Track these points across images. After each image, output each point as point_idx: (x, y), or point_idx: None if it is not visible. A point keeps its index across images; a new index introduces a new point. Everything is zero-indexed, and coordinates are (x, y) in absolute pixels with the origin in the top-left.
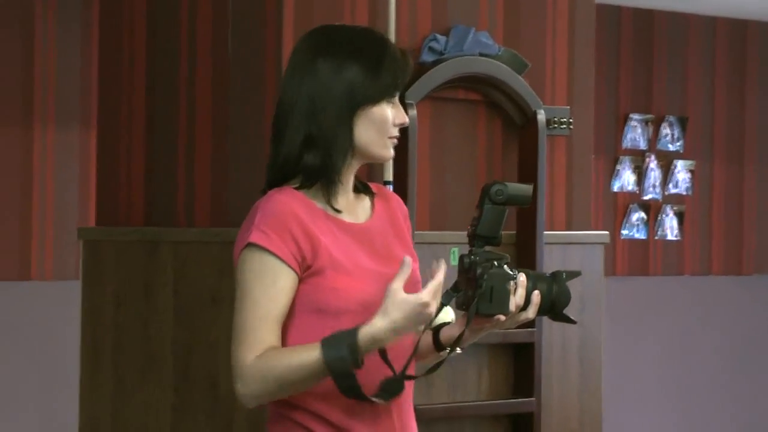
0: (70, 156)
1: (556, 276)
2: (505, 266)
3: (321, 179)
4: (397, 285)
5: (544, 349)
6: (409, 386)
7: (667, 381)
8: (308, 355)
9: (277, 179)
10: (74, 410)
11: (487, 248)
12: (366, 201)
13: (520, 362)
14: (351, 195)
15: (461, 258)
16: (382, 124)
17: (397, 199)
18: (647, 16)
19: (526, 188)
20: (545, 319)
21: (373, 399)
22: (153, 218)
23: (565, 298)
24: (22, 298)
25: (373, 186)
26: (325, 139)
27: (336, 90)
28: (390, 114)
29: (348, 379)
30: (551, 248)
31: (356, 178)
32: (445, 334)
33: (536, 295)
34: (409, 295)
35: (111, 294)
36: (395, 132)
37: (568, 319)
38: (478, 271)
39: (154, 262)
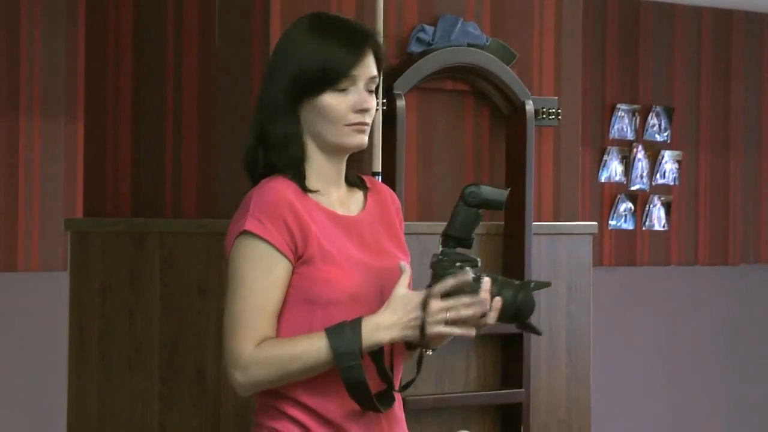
0: (56, 147)
1: (524, 285)
2: (470, 270)
3: (288, 171)
4: (402, 289)
5: (533, 340)
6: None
7: (655, 370)
8: (312, 342)
9: (252, 174)
10: (61, 401)
11: (460, 250)
12: (359, 194)
13: (508, 353)
14: (344, 187)
15: (432, 257)
16: (328, 113)
17: (390, 193)
18: (633, 6)
19: (501, 193)
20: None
21: (377, 404)
22: (140, 209)
23: (529, 306)
24: (8, 289)
25: (366, 179)
26: (273, 132)
27: (280, 83)
28: (338, 102)
29: (354, 370)
30: (539, 239)
31: (350, 170)
32: None
33: (497, 301)
34: (412, 292)
35: (98, 285)
36: (355, 118)
37: (533, 329)
38: (440, 273)
39: (142, 253)
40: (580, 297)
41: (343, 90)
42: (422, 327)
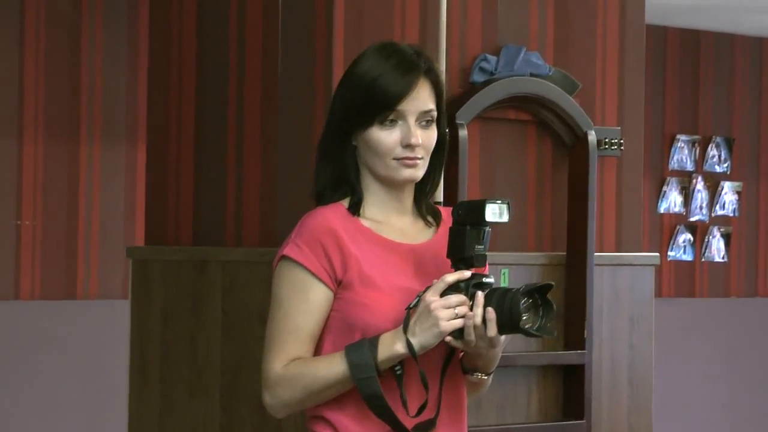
0: (116, 174)
1: (515, 291)
2: (471, 287)
3: (344, 198)
4: (429, 295)
5: (594, 371)
6: (454, 414)
7: (714, 402)
8: (333, 360)
9: (315, 198)
10: (121, 428)
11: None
12: (428, 226)
13: (570, 384)
14: (408, 216)
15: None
16: (375, 146)
17: None
18: (693, 36)
19: (479, 203)
20: (595, 340)
21: (400, 421)
22: (201, 237)
23: (516, 311)
24: (67, 317)
25: (442, 210)
26: (328, 159)
27: (336, 113)
28: (385, 136)
29: (369, 382)
30: (601, 270)
31: (422, 200)
32: (465, 358)
33: (489, 312)
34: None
35: (159, 312)
36: (402, 153)
37: (533, 335)
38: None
39: (203, 281)
40: (642, 329)
41: (391, 123)
42: (437, 328)
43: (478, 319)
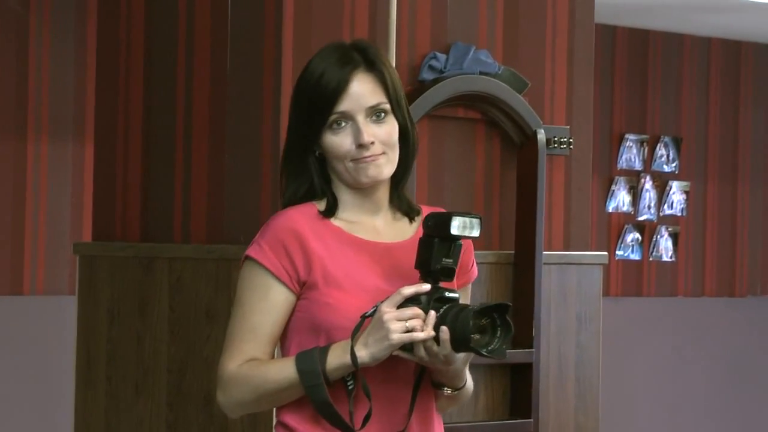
0: (63, 170)
1: (469, 310)
2: (432, 301)
3: (315, 198)
4: (384, 306)
5: (542, 369)
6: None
7: (660, 402)
8: (285, 364)
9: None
10: (67, 426)
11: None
12: (407, 224)
13: (517, 382)
14: (384, 215)
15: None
16: (332, 152)
17: None
18: (642, 36)
19: (446, 216)
20: (543, 339)
21: (352, 427)
22: (149, 234)
23: (463, 330)
24: (13, 313)
25: (424, 209)
26: (291, 164)
27: (291, 120)
28: (338, 139)
29: (317, 389)
30: (549, 268)
31: (404, 199)
32: (431, 373)
33: (444, 332)
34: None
35: (106, 309)
36: (358, 154)
37: (482, 355)
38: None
39: (150, 278)
40: (590, 327)
41: (340, 126)
42: (388, 340)
43: (422, 336)
